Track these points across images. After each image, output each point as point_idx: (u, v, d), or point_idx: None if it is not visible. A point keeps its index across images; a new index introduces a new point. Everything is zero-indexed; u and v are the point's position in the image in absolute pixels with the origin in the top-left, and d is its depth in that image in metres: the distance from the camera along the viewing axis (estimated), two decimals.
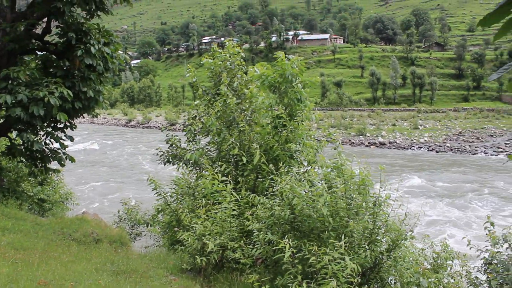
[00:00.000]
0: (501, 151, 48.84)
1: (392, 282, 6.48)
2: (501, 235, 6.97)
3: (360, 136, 61.07)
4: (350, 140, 58.99)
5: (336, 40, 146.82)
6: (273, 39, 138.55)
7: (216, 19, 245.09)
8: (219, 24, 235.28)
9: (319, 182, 6.20)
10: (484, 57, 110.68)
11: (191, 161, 9.90)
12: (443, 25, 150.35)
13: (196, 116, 10.88)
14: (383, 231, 5.95)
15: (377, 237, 5.87)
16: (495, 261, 6.77)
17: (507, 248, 6.87)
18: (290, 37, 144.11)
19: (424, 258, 7.49)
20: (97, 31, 11.04)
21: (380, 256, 5.75)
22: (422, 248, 7.76)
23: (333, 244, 5.08)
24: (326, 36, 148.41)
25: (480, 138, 59.69)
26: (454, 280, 7.32)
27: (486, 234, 7.12)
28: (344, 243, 5.07)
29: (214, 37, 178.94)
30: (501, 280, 6.49)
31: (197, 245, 6.96)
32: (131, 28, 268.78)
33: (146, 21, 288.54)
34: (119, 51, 11.82)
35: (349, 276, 4.80)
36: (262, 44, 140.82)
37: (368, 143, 57.56)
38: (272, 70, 9.28)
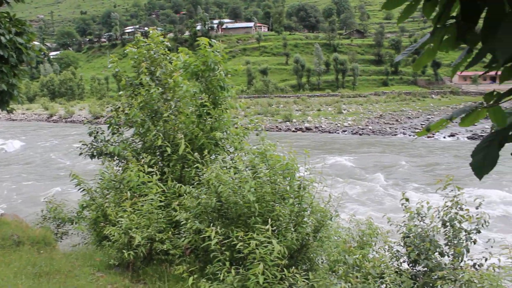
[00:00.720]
0: (418, 131, 51.77)
1: (320, 262, 6.69)
2: (415, 209, 7.40)
3: (287, 122, 62.18)
4: (277, 127, 59.90)
5: (261, 28, 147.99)
6: (198, 28, 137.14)
7: (139, 8, 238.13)
8: (142, 13, 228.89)
9: (245, 169, 6.23)
10: (401, 43, 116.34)
11: (115, 154, 9.62)
12: (362, 13, 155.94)
13: (119, 108, 10.56)
14: (309, 213, 6.10)
15: (304, 219, 6.01)
16: (412, 234, 7.18)
17: (420, 221, 7.30)
18: (215, 25, 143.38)
19: (351, 236, 7.80)
20: (7, 20, 10.31)
21: (307, 238, 5.90)
22: (349, 227, 8.08)
23: (260, 228, 5.15)
24: (251, 24, 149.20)
25: (399, 120, 62.95)
26: (378, 254, 7.71)
27: (403, 210, 7.52)
28: (271, 226, 5.14)
29: (137, 26, 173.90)
30: (417, 251, 6.91)
31: (124, 239, 6.79)
32: (48, 17, 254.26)
33: (64, 10, 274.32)
34: (34, 42, 11.13)
35: (276, 259, 4.88)
36: (187, 33, 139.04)
37: (295, 128, 58.74)
38: (195, 57, 9.19)
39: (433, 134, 50.68)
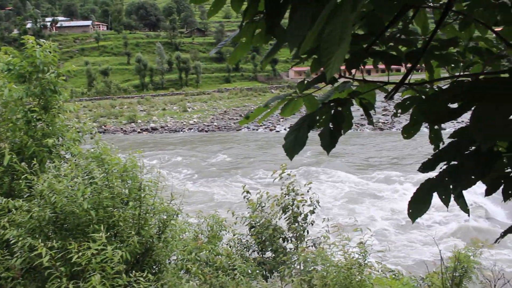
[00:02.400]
0: (260, 125, 54.47)
1: (169, 263, 6.60)
2: (256, 200, 7.77)
3: (132, 124, 60.60)
4: (122, 129, 58.03)
5: (99, 27, 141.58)
6: (29, 26, 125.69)
7: None
8: None
9: (81, 175, 5.86)
10: None
11: None
12: (202, 11, 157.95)
13: None
14: (152, 215, 5.97)
15: (147, 222, 5.86)
16: (258, 224, 7.52)
17: (261, 211, 7.69)
18: (48, 24, 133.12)
19: (201, 232, 7.87)
20: None
21: (151, 240, 5.76)
22: (198, 224, 8.14)
23: (97, 237, 4.88)
24: (88, 22, 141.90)
25: (242, 115, 65.21)
26: (230, 246, 7.91)
27: (246, 202, 7.82)
28: (113, 233, 4.92)
29: None
30: (262, 239, 7.26)
31: None
32: None
33: None
34: None
35: (118, 266, 4.69)
36: (16, 31, 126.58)
37: (140, 129, 57.54)
38: (21, 57, 8.37)
39: (275, 127, 53.82)
